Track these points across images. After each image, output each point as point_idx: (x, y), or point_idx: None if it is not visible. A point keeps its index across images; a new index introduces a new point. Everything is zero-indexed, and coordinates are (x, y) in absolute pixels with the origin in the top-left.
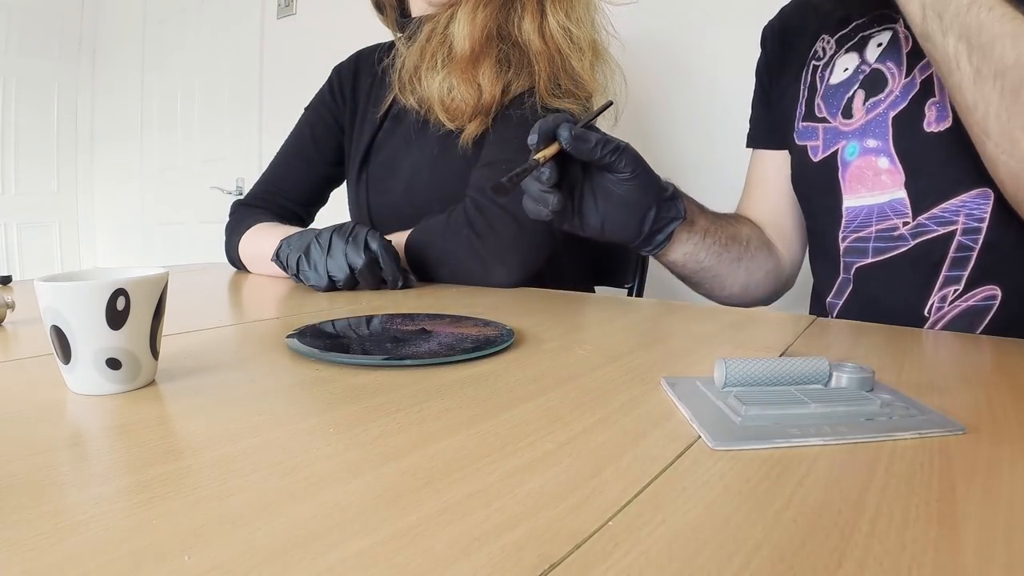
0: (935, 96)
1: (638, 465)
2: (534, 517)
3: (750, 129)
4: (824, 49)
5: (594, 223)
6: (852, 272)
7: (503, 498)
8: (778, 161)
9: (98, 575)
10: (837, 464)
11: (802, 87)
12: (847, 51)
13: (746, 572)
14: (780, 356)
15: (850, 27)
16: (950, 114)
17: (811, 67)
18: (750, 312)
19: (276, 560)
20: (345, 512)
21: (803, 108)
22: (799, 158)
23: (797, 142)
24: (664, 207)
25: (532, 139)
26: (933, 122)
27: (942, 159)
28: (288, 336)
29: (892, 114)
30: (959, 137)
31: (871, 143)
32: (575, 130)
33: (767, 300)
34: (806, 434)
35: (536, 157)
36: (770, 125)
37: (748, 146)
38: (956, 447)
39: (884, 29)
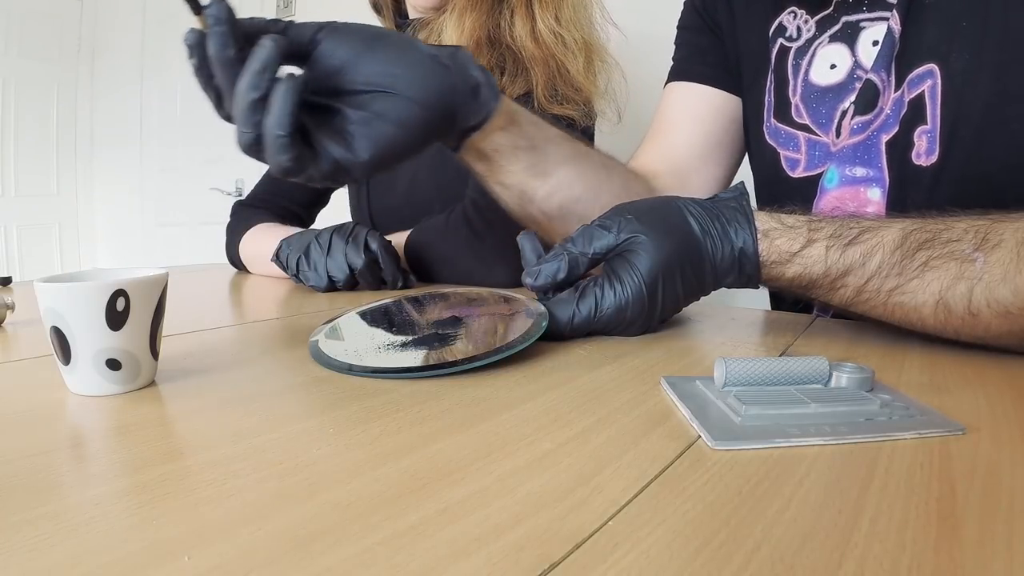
0: (926, 123)
1: (638, 465)
2: (534, 517)
3: (681, 60)
4: (798, 28)
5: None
6: (830, 313)
7: (503, 498)
8: (716, 101)
9: (98, 575)
10: (837, 464)
11: (770, 70)
12: (832, 40)
13: (746, 572)
14: (780, 356)
15: (831, 6)
16: (938, 148)
17: (778, 45)
18: (750, 312)
19: (276, 560)
20: (345, 512)
21: (771, 98)
22: (765, 161)
23: (768, 140)
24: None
25: None
26: (923, 154)
27: (929, 199)
28: (317, 344)
29: (885, 138)
30: (949, 175)
31: (859, 171)
32: None
33: None
34: (806, 434)
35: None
36: (717, 60)
37: (675, 80)
38: (956, 447)
39: (877, 19)
